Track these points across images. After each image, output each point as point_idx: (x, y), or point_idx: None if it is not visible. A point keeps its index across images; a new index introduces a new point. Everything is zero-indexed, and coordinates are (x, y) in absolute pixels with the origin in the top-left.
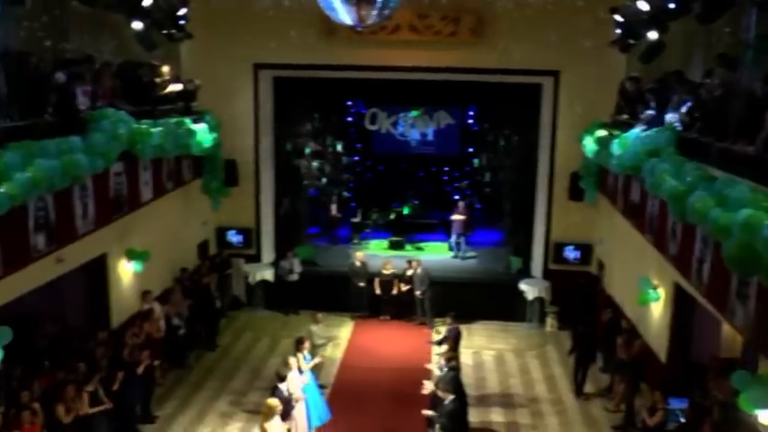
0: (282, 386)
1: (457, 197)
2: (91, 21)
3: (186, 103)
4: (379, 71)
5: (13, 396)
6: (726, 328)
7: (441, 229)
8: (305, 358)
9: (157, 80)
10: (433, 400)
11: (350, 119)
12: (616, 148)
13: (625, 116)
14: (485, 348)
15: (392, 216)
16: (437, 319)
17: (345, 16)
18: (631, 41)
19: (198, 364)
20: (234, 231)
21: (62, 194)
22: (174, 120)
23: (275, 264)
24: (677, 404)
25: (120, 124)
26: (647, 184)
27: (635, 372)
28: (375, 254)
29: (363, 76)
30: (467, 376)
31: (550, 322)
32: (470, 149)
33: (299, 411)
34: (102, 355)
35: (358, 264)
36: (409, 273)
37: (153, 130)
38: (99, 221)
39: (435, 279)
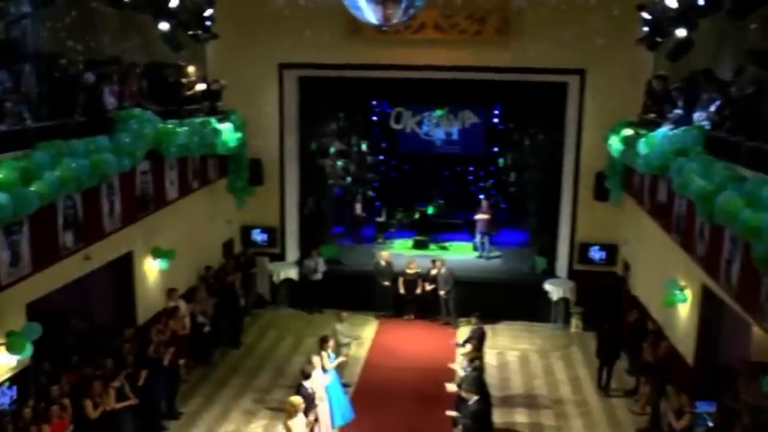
0: (307, 383)
1: (481, 197)
2: (118, 22)
3: (212, 103)
4: (404, 70)
5: (42, 391)
6: (756, 330)
7: (465, 229)
8: (329, 357)
9: (183, 80)
10: (457, 401)
11: (375, 118)
12: (642, 147)
13: (652, 115)
14: (509, 349)
15: (417, 215)
16: (461, 319)
17: (371, 15)
18: (659, 39)
19: (222, 362)
20: (258, 230)
21: (90, 193)
22: (199, 119)
23: (299, 262)
24: (705, 408)
25: (147, 124)
26: (674, 184)
27: (661, 374)
28: (399, 253)
29: (388, 76)
30: (491, 377)
31: (575, 323)
32: (495, 149)
33: (322, 410)
34: (129, 352)
35: (383, 263)
36: (433, 272)
37: (179, 129)
38: (125, 220)
39: (460, 279)
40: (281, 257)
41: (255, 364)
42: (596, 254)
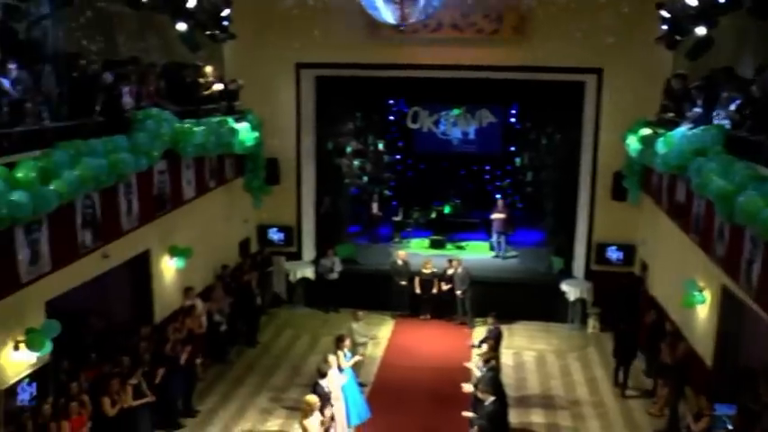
0: (323, 382)
1: (498, 196)
2: (136, 23)
3: (229, 103)
4: (421, 69)
5: (61, 387)
6: None
7: (482, 229)
8: (345, 356)
9: (201, 80)
10: (474, 401)
11: (391, 117)
12: (661, 146)
13: (670, 114)
14: (525, 349)
15: (433, 215)
16: (478, 319)
17: (388, 15)
18: (678, 38)
19: (239, 361)
20: (275, 229)
21: (108, 192)
22: (216, 119)
23: (316, 262)
24: (724, 410)
25: (164, 124)
26: (693, 184)
27: (679, 376)
28: (416, 253)
29: (405, 75)
30: (507, 377)
31: (592, 324)
32: (512, 148)
33: (338, 410)
34: (145, 350)
35: (400, 262)
36: (450, 272)
37: (196, 129)
38: (143, 218)
39: (476, 278)
40: (297, 256)
41: (272, 363)
42: (614, 254)
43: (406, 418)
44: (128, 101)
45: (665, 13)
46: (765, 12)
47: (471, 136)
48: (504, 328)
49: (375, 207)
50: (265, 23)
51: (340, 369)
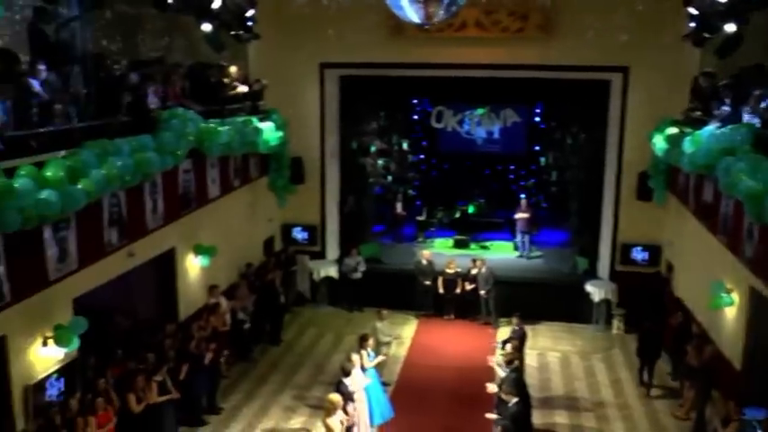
0: (347, 381)
1: (523, 196)
2: (162, 23)
3: (253, 103)
4: (446, 69)
5: (88, 384)
6: None
7: (506, 228)
8: (368, 356)
9: (225, 80)
10: (497, 402)
11: (415, 117)
12: (688, 146)
13: (698, 113)
14: (550, 350)
15: (457, 215)
16: (502, 319)
17: (413, 14)
18: (706, 35)
19: (263, 358)
20: (299, 228)
21: (133, 191)
22: (241, 118)
23: (340, 261)
24: (753, 415)
25: (189, 123)
26: (720, 184)
27: (706, 379)
28: (440, 252)
29: (429, 74)
30: (531, 377)
31: (617, 325)
32: (537, 148)
33: (361, 409)
34: (170, 347)
35: (424, 262)
36: (474, 272)
37: (220, 128)
38: (168, 217)
39: (500, 278)
40: (321, 255)
41: (295, 361)
42: (639, 255)
43: (429, 417)
44: (153, 101)
45: (692, 11)
46: None
47: (496, 135)
48: (529, 329)
49: (399, 206)
50: (290, 23)
51: (363, 369)
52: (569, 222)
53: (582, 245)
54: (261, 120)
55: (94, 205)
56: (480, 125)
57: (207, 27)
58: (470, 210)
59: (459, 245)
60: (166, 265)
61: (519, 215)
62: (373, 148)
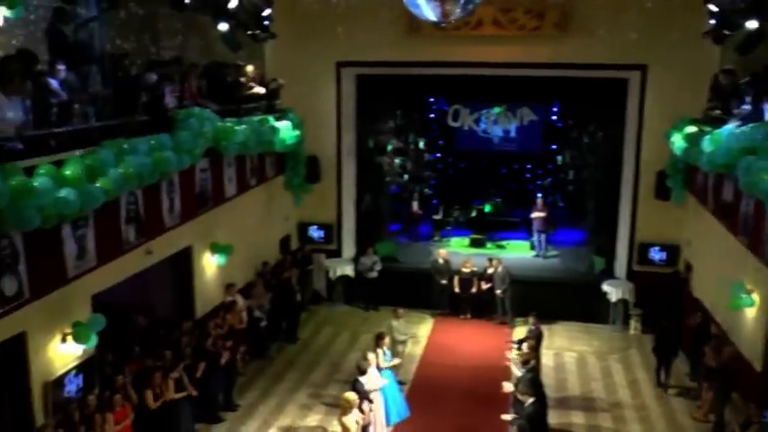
0: (363, 379)
1: (539, 195)
2: (179, 23)
3: (270, 102)
4: (462, 67)
5: (106, 380)
6: None
7: (522, 227)
8: (384, 354)
9: (242, 80)
10: (514, 401)
11: (432, 116)
12: (707, 144)
13: (717, 112)
14: (566, 350)
15: (474, 213)
16: (518, 319)
17: (429, 12)
18: (726, 32)
19: (279, 356)
20: (315, 227)
21: (151, 189)
22: (257, 117)
23: (356, 259)
24: None
25: (206, 122)
26: (741, 183)
27: (725, 380)
28: (456, 251)
29: (446, 73)
30: (547, 377)
31: (634, 325)
32: (554, 146)
33: (377, 408)
34: (187, 344)
35: (441, 261)
36: (490, 271)
37: (237, 127)
38: (185, 216)
39: (516, 278)
40: (337, 254)
41: (311, 359)
42: (656, 254)
43: (444, 416)
44: (170, 100)
45: (712, 7)
46: None
47: (512, 134)
48: (545, 329)
49: (415, 205)
50: (306, 23)
51: (379, 368)
52: (586, 221)
53: (599, 244)
54: (277, 119)
55: (112, 203)
56: (497, 124)
57: (223, 26)
58: (487, 209)
59: (475, 244)
60: (183, 264)
61: (535, 214)
62: (390, 147)
